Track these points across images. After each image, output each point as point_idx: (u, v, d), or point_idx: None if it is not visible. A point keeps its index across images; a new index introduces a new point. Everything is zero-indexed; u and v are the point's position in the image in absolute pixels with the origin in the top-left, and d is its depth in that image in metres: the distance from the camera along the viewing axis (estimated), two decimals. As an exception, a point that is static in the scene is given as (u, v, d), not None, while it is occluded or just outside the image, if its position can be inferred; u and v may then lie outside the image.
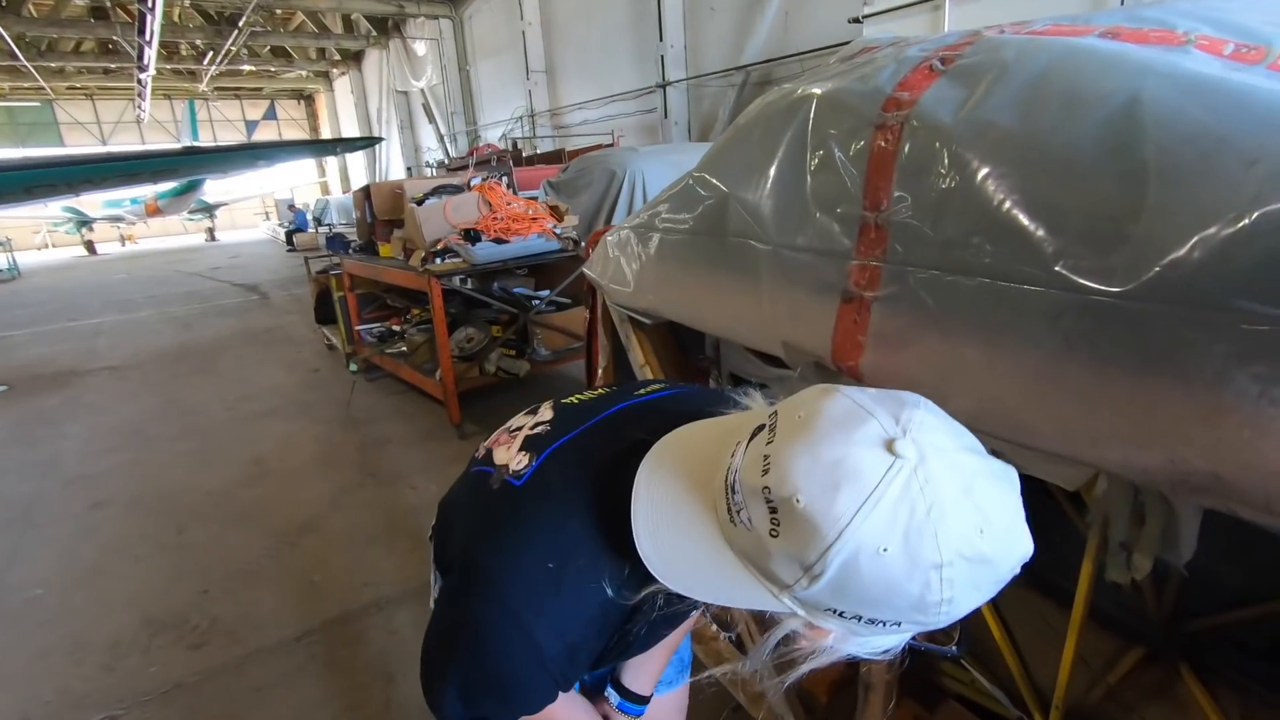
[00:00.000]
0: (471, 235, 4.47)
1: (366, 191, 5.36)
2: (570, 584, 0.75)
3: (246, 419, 5.10)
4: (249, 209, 28.53)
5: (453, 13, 15.74)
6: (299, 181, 26.63)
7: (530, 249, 4.49)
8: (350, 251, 5.69)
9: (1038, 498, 2.15)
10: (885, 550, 0.49)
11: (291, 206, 21.00)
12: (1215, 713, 1.36)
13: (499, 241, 4.47)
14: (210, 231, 24.87)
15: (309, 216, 18.85)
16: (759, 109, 1.44)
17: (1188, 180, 0.72)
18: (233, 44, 16.60)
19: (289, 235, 17.99)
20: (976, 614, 1.57)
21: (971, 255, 0.95)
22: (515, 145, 12.36)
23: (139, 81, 16.83)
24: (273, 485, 3.94)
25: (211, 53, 17.52)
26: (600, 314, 2.33)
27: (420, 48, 17.13)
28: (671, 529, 0.64)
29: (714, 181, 1.49)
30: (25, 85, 19.84)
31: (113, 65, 17.96)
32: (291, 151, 14.46)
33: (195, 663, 2.50)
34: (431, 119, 17.78)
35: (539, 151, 11.92)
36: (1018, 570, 0.54)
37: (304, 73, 23.56)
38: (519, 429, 0.94)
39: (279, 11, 16.98)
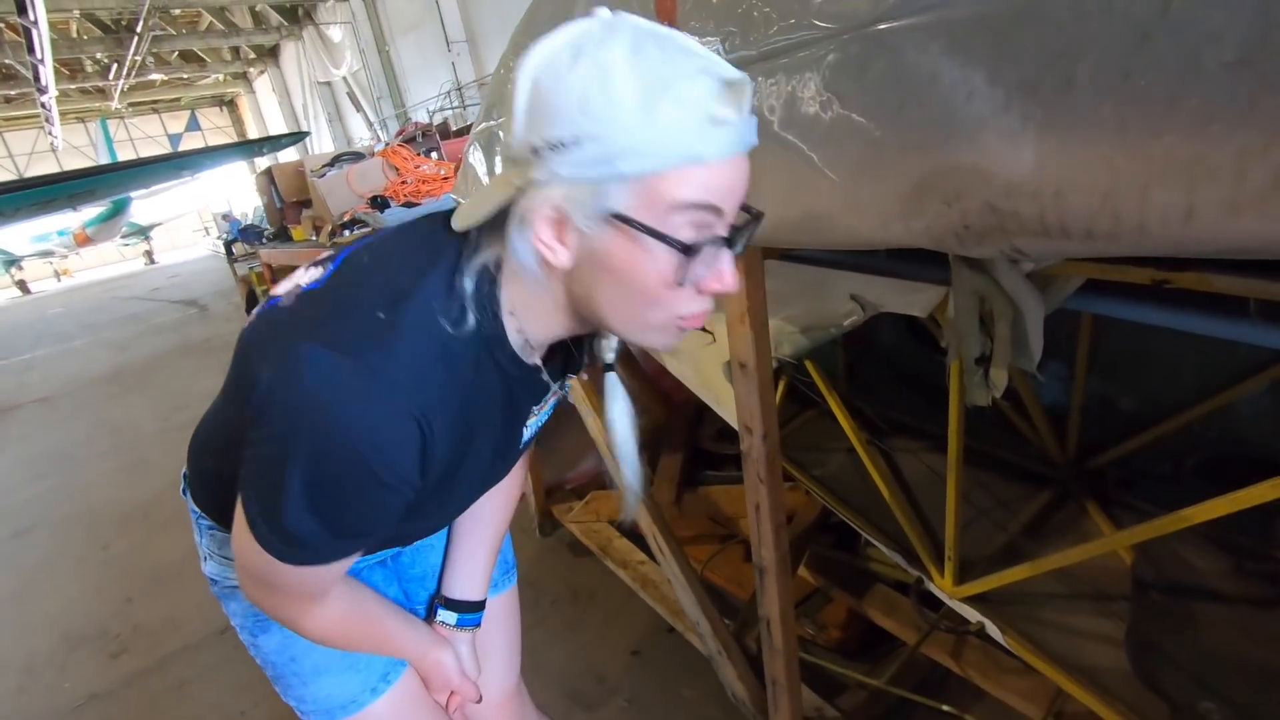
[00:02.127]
0: (379, 202, 4.25)
1: (270, 175, 5.09)
2: (407, 322, 0.61)
3: (179, 428, 4.88)
4: (188, 227, 27.59)
5: (362, -9, 15.07)
6: (235, 190, 25.75)
7: (443, 207, 4.29)
8: (264, 241, 5.44)
9: (922, 353, 2.08)
10: (558, 61, 0.53)
11: (227, 216, 20.34)
12: (1123, 547, 1.29)
13: (410, 205, 4.27)
14: (148, 254, 24.01)
15: (246, 223, 18.24)
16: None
17: None
18: (136, 53, 15.77)
19: (228, 246, 17.39)
20: (865, 477, 1.51)
21: (742, 42, 0.82)
22: (445, 121, 11.96)
23: (43, 106, 15.96)
24: (203, 486, 3.79)
25: (116, 65, 16.66)
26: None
27: (335, 33, 16.42)
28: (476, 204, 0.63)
29: (522, 51, 1.34)
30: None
31: (13, 92, 17.04)
32: (215, 157, 13.80)
33: (114, 670, 2.38)
34: (359, 107, 17.16)
35: (470, 124, 11.54)
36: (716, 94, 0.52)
37: (220, 76, 22.57)
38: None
39: (178, 12, 16.16)
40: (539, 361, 0.74)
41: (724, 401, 1.69)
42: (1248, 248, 0.44)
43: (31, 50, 11.99)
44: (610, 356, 0.79)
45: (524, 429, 0.81)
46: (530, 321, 0.68)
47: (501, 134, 1.59)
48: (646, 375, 2.71)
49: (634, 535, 2.23)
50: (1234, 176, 0.42)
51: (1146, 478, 1.44)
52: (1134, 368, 1.52)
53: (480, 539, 1.03)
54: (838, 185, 0.74)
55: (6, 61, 14.49)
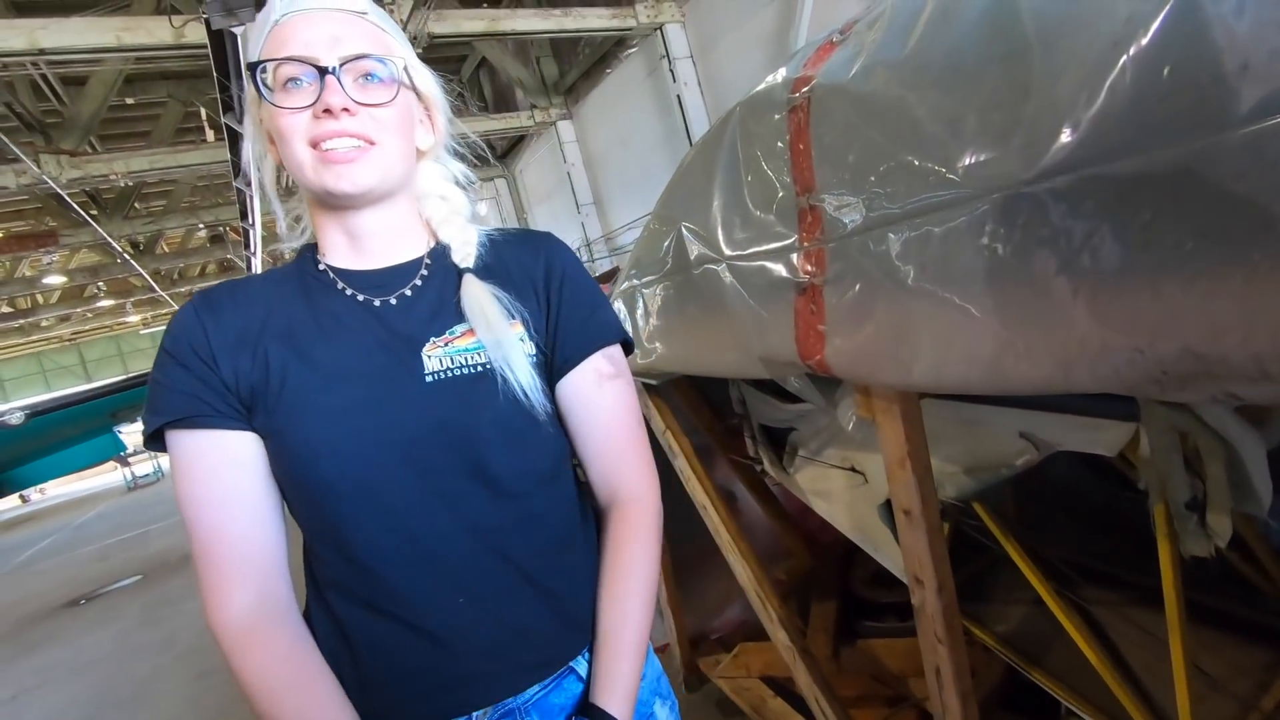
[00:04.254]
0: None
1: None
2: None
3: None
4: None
5: (505, 171, 17.28)
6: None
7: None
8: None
9: (1106, 488, 1.83)
10: None
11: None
12: None
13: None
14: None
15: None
16: (698, 142, 1.43)
17: (1065, 34, 0.63)
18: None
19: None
20: (1059, 634, 1.29)
21: (888, 201, 0.86)
22: (576, 273, 12.97)
23: (251, 288, 19.03)
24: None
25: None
26: (621, 390, 2.28)
27: (483, 208, 18.78)
28: None
29: (667, 216, 1.46)
30: (163, 312, 22.93)
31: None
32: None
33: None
34: (500, 268, 19.04)
35: (599, 274, 12.47)
36: None
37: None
38: None
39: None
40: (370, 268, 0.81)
41: (882, 547, 1.58)
42: None
43: (248, 245, 14.60)
44: (463, 261, 0.83)
45: (417, 359, 0.76)
46: (319, 237, 0.83)
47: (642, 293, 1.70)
48: (789, 516, 2.61)
49: (790, 693, 2.06)
50: None
51: None
52: None
53: (609, 628, 0.79)
54: (1006, 334, 0.73)
55: (229, 256, 17.67)
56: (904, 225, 0.84)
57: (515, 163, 16.95)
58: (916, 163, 0.81)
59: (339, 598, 0.76)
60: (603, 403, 0.84)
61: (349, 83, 0.73)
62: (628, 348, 0.90)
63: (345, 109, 0.72)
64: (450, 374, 0.75)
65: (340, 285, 0.80)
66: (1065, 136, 0.62)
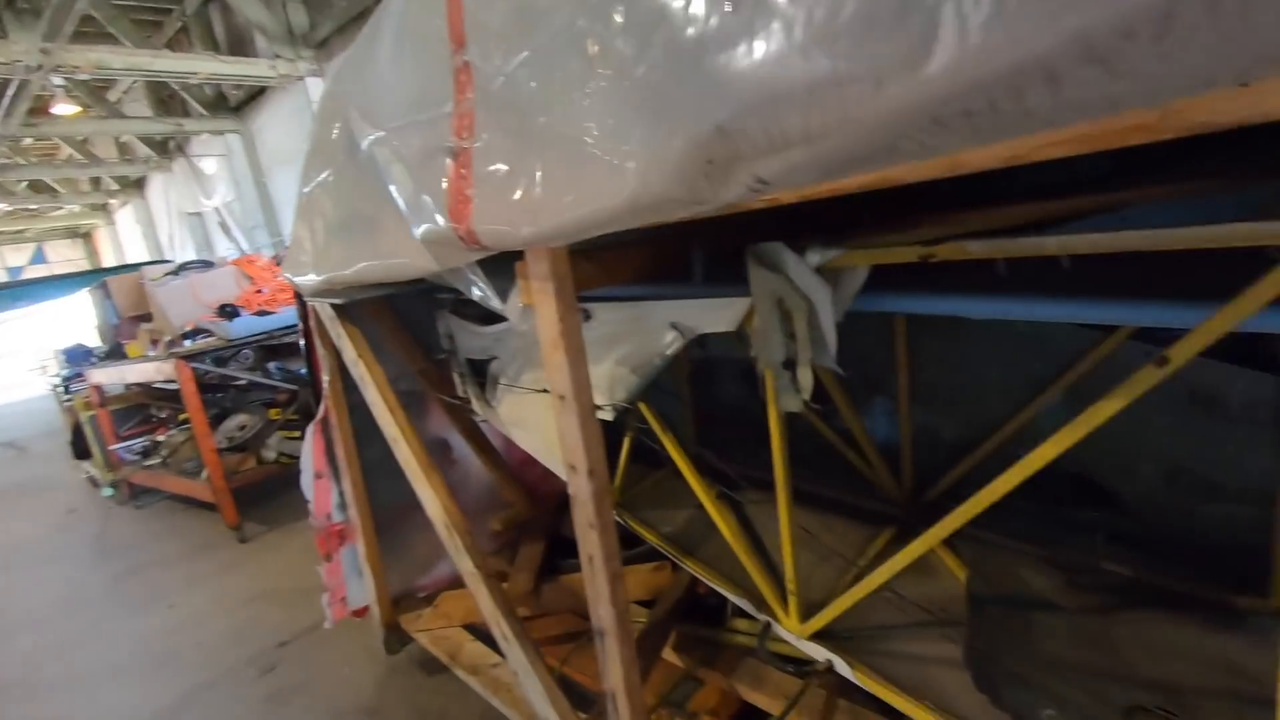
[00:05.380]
0: (228, 310, 4.00)
1: (105, 289, 4.70)
2: None
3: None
4: (23, 365, 24.78)
5: (240, 126, 15.09)
6: (83, 323, 23.62)
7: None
8: (93, 361, 4.92)
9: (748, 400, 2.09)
10: None
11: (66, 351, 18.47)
12: (959, 568, 1.27)
13: (263, 313, 4.04)
14: (-31, 397, 21.18)
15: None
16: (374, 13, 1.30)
17: None
18: (-26, 182, 14.73)
19: (65, 382, 15.70)
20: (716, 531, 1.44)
21: (529, 53, 0.83)
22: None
23: None
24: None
25: (-52, 195, 15.41)
26: (314, 322, 2.05)
27: (209, 165, 16.17)
28: None
29: (338, 93, 1.32)
30: None
31: None
32: (57, 287, 12.72)
33: None
34: (231, 237, 16.65)
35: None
36: None
37: (76, 208, 21.36)
38: None
39: (29, 143, 15.42)
40: None
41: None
42: (921, 110, 0.44)
43: None
44: None
45: None
46: None
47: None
48: (508, 466, 2.57)
49: (488, 638, 2.00)
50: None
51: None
52: (948, 396, 1.59)
53: None
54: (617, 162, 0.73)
55: None
56: (537, 70, 0.82)
57: (253, 118, 14.86)
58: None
59: None
60: None
61: None
62: None
63: None
64: None
65: None
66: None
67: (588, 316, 1.39)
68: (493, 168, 0.94)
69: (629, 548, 2.10)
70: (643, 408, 1.48)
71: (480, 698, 1.92)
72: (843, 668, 1.13)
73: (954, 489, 1.51)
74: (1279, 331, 0.74)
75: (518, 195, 0.89)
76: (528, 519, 2.51)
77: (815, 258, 0.93)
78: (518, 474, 2.60)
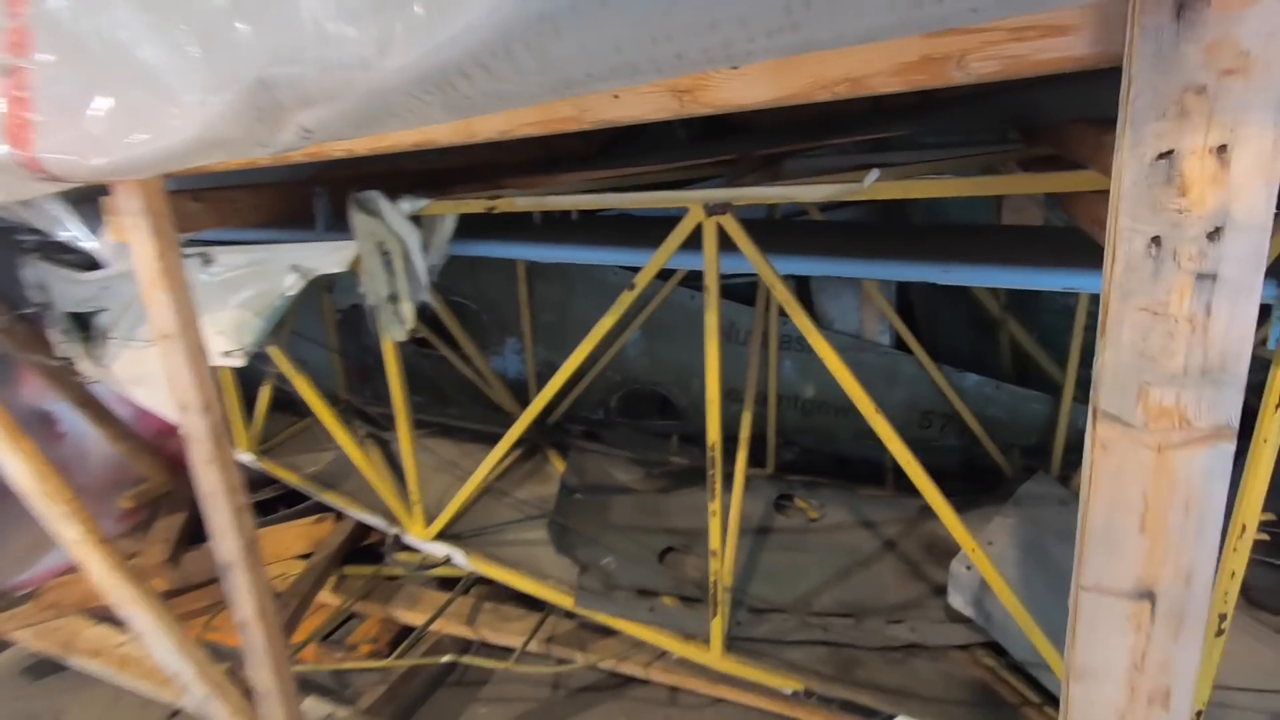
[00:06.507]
0: None
1: None
2: None
3: None
4: None
5: None
6: None
7: None
8: None
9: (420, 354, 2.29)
10: None
11: None
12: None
13: None
14: None
15: None
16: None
17: None
18: None
19: None
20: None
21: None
22: None
23: None
24: None
25: None
26: None
27: None
28: None
29: None
30: None
31: None
32: None
33: None
34: None
35: None
36: None
37: None
38: None
39: None
40: None
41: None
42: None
43: None
44: None
45: None
46: None
47: None
48: (139, 437, 2.29)
49: (113, 619, 1.83)
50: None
51: (590, 423, 1.81)
52: (562, 335, 1.91)
53: None
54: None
55: None
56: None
57: None
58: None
59: None
60: None
61: None
62: None
63: None
64: None
65: None
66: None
67: (208, 261, 1.36)
68: (58, 91, 0.90)
69: (290, 505, 2.09)
70: (278, 355, 1.50)
71: (106, 687, 1.76)
72: (460, 558, 1.33)
73: (570, 411, 1.82)
74: (698, 269, 1.10)
75: (87, 125, 0.87)
76: (168, 492, 2.29)
77: (407, 205, 1.08)
78: (156, 444, 2.35)
